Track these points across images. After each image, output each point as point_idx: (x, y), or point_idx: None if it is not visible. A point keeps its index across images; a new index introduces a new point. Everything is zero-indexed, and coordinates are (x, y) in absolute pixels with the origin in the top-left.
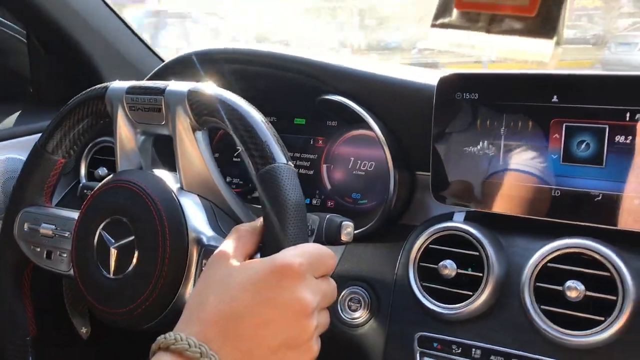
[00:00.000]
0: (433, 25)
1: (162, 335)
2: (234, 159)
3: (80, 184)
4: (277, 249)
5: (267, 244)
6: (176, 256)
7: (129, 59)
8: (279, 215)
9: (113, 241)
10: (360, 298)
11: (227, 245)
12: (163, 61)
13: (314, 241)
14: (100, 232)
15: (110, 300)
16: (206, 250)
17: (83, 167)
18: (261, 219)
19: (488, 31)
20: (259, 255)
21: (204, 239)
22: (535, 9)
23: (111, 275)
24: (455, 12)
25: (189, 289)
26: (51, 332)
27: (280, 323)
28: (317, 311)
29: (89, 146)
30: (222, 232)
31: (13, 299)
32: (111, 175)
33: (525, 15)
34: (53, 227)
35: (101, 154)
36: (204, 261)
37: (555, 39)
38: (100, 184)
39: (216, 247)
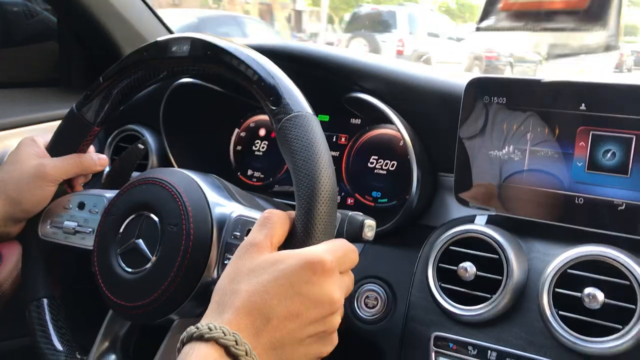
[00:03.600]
0: (478, 29)
1: (194, 325)
2: (256, 152)
3: (105, 171)
4: (305, 242)
5: (297, 231)
6: (199, 233)
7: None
8: (311, 203)
9: (137, 235)
10: (377, 295)
11: (258, 233)
12: None
13: (336, 237)
14: (123, 229)
15: (132, 294)
16: (230, 223)
17: (107, 154)
18: (292, 212)
19: (534, 29)
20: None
21: (226, 212)
22: (587, 2)
23: (134, 269)
24: (500, 14)
25: (214, 272)
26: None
27: (310, 317)
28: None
29: (113, 134)
30: (242, 204)
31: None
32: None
33: (577, 8)
34: (75, 224)
35: (126, 142)
36: (230, 236)
37: (608, 31)
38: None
39: (240, 217)
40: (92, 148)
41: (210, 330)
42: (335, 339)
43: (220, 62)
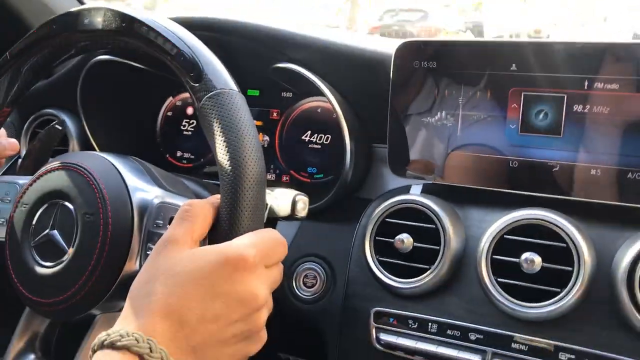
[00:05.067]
0: None
1: (104, 332)
2: (184, 132)
3: (21, 156)
4: (229, 234)
5: (221, 222)
6: (119, 222)
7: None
8: (235, 191)
9: (51, 226)
10: (316, 274)
11: (178, 228)
12: None
13: (268, 216)
14: (37, 219)
15: (48, 289)
16: (152, 210)
17: (23, 141)
18: (217, 196)
19: None
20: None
21: (148, 197)
22: None
23: (50, 263)
24: None
25: (136, 263)
26: None
27: (233, 317)
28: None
29: (29, 120)
30: (166, 188)
31: None
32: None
33: None
34: None
35: (44, 128)
36: (152, 224)
37: None
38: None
39: (163, 205)
40: (2, 132)
41: (122, 337)
42: (263, 337)
43: (136, 35)
